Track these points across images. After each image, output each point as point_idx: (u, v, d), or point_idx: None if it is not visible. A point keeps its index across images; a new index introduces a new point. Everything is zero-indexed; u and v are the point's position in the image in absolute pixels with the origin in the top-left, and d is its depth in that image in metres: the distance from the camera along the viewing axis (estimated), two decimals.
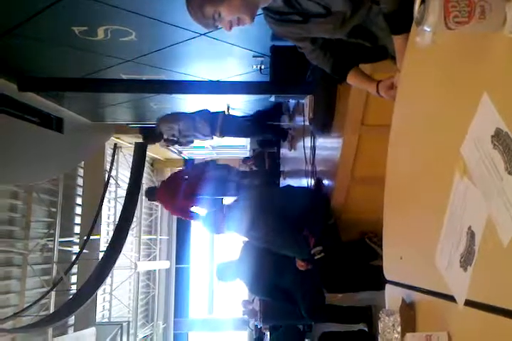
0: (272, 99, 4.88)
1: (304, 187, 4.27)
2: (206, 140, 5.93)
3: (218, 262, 4.58)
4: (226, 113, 5.78)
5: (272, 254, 3.43)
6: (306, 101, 3.98)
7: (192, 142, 5.89)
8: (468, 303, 0.94)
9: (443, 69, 1.10)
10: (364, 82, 1.88)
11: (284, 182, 6.43)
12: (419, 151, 1.25)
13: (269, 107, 6.28)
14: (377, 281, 1.58)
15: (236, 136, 6.53)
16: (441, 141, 1.08)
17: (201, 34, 3.74)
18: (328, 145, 3.59)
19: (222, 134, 5.53)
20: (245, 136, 6.66)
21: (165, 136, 5.60)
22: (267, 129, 6.08)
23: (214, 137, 5.65)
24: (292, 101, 5.26)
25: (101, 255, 8.13)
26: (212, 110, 5.59)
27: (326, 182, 3.68)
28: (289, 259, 3.37)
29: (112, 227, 9.63)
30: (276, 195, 3.70)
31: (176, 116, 5.52)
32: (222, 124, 5.41)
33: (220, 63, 4.91)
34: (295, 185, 4.63)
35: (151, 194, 5.59)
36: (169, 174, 11.75)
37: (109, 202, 10.00)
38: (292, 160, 5.67)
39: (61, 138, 5.91)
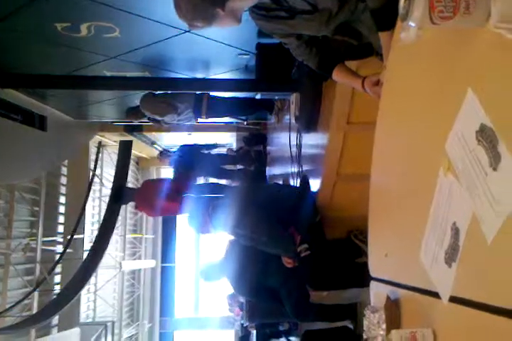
0: (258, 96, 4.86)
1: (289, 185, 4.26)
2: (188, 121, 5.82)
3: (203, 263, 4.55)
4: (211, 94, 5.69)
5: (257, 253, 3.42)
6: (292, 98, 3.98)
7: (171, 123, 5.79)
8: (453, 300, 0.94)
9: (428, 65, 1.10)
10: (350, 78, 1.88)
11: (269, 178, 6.43)
12: (404, 148, 1.25)
13: None
14: (363, 278, 1.58)
15: (222, 115, 6.37)
16: (426, 137, 1.08)
17: (186, 31, 3.72)
18: (314, 143, 3.59)
19: (208, 114, 5.42)
20: (232, 113, 6.45)
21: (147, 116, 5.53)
22: (253, 104, 5.96)
23: (198, 119, 5.54)
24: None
25: (85, 254, 8.06)
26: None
27: (311, 179, 3.69)
28: (273, 258, 3.36)
29: (96, 226, 9.55)
30: (262, 192, 3.69)
31: (159, 98, 5.42)
32: (207, 103, 5.32)
33: (205, 60, 4.89)
34: (280, 182, 4.63)
35: (126, 195, 5.32)
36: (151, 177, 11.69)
37: (93, 200, 9.92)
38: (278, 157, 5.66)
39: (44, 136, 5.83)
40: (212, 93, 5.44)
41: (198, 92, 5.35)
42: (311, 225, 3.31)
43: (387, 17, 1.46)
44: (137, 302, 12.24)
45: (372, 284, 1.45)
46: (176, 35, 3.83)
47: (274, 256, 3.35)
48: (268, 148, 7.04)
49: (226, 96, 5.70)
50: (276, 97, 5.22)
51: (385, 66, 1.51)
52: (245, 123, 7.35)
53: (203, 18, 1.54)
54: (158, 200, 4.91)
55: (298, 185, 3.96)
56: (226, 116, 6.43)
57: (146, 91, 5.34)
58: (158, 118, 5.52)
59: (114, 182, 6.43)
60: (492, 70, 0.84)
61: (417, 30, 0.88)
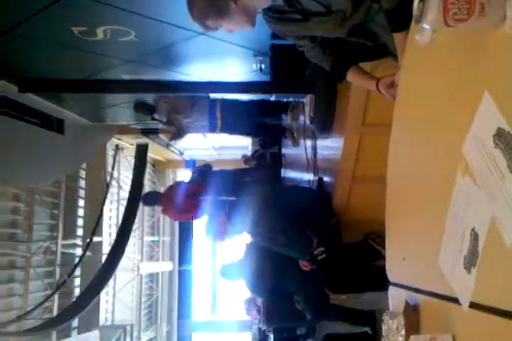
0: (273, 98, 4.86)
1: (307, 187, 4.24)
2: (204, 131, 5.76)
3: (222, 263, 4.57)
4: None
5: (274, 256, 3.42)
6: (307, 100, 3.96)
7: (182, 133, 5.71)
8: (473, 306, 0.92)
9: (443, 67, 1.08)
10: (364, 80, 1.86)
11: (285, 181, 6.39)
12: (420, 151, 1.23)
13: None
14: (381, 282, 1.56)
15: (236, 132, 6.30)
16: (443, 140, 1.07)
17: (201, 33, 3.72)
18: (330, 145, 3.57)
19: (223, 128, 5.38)
20: (244, 133, 6.43)
21: (155, 115, 5.47)
22: (265, 130, 5.97)
23: (214, 131, 5.48)
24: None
25: (104, 257, 8.12)
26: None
27: (327, 182, 3.67)
28: (290, 261, 3.35)
29: (114, 229, 9.61)
30: (280, 193, 3.69)
31: (179, 97, 5.38)
32: (221, 111, 5.27)
33: (221, 63, 4.89)
34: (297, 184, 4.60)
35: (152, 199, 5.45)
36: (172, 181, 11.71)
37: (111, 203, 9.99)
38: (294, 160, 5.65)
39: (62, 140, 5.90)
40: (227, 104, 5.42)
41: (211, 101, 5.32)
42: (327, 228, 3.29)
43: (402, 18, 1.45)
44: (155, 305, 12.29)
45: (391, 289, 1.43)
46: (191, 38, 3.84)
47: (290, 259, 3.34)
48: (283, 150, 7.02)
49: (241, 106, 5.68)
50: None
51: (400, 67, 1.50)
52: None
53: (216, 13, 1.54)
54: (181, 202, 4.95)
55: (315, 187, 3.94)
56: (241, 128, 6.26)
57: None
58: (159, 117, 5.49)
59: (132, 185, 6.50)
60: (508, 72, 0.82)
61: (432, 33, 0.87)
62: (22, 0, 3.21)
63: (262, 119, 5.85)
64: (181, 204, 5.12)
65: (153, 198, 5.36)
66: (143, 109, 5.69)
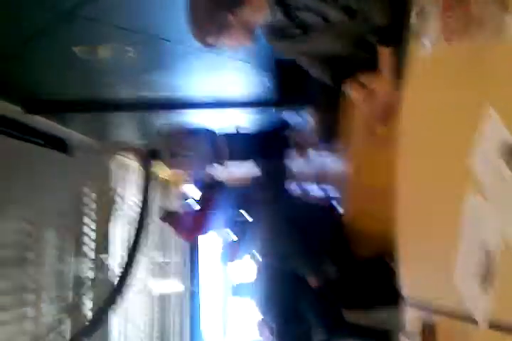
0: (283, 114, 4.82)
1: (316, 204, 4.20)
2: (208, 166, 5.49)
3: (232, 283, 4.56)
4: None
5: (285, 276, 3.39)
6: (311, 112, 3.96)
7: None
8: (493, 326, 0.89)
9: (446, 82, 1.07)
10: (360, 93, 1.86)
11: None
12: (428, 165, 1.22)
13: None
14: (396, 297, 1.53)
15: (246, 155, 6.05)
16: (450, 155, 1.05)
17: (202, 50, 3.74)
18: (335, 158, 3.55)
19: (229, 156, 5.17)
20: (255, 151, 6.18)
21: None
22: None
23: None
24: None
25: (115, 279, 8.08)
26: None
27: (334, 196, 3.64)
28: (302, 281, 3.31)
29: (124, 249, 9.58)
30: (287, 206, 3.66)
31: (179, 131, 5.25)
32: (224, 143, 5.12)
33: (222, 79, 4.91)
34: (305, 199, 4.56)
35: (168, 216, 5.36)
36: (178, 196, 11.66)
37: (119, 222, 9.99)
38: (301, 172, 5.61)
39: (68, 160, 5.91)
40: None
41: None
42: (337, 244, 3.25)
43: (391, 33, 1.45)
44: (167, 327, 12.22)
45: (407, 308, 1.39)
46: (192, 54, 3.86)
47: (302, 279, 3.30)
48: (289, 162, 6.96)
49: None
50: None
51: (383, 77, 1.50)
52: None
53: (215, 28, 1.55)
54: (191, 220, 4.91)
55: (321, 202, 3.90)
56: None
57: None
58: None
59: (141, 205, 6.49)
60: (511, 84, 0.80)
61: (432, 48, 0.86)
62: (21, 21, 3.24)
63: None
64: (190, 222, 5.07)
65: (168, 217, 5.29)
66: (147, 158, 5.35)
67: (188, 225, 4.95)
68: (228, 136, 5.22)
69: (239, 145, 5.25)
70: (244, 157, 5.53)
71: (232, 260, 3.53)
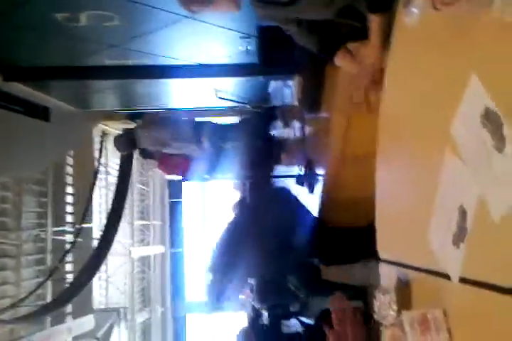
0: (261, 79, 4.81)
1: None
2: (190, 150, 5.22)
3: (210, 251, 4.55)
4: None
5: (264, 237, 3.44)
6: (295, 81, 3.95)
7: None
8: (463, 280, 0.95)
9: (431, 49, 1.09)
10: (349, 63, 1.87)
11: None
12: (409, 131, 1.25)
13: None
14: (372, 254, 1.56)
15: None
16: (431, 120, 1.09)
17: (186, 16, 3.69)
18: (318, 126, 3.58)
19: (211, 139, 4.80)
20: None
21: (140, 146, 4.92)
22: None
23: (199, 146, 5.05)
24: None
25: (95, 243, 8.13)
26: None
27: (317, 164, 3.67)
28: (281, 241, 3.38)
29: (104, 215, 9.60)
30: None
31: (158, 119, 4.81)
32: (209, 128, 4.80)
33: (206, 45, 4.85)
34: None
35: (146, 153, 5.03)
36: None
37: (100, 189, 9.96)
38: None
39: (48, 127, 5.84)
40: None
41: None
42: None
43: (383, 0, 1.45)
44: (148, 287, 12.37)
45: (382, 265, 1.46)
46: (176, 21, 3.80)
47: (281, 240, 3.37)
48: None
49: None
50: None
51: (373, 45, 1.53)
52: (248, 106, 7.20)
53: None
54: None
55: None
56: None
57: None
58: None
59: (119, 170, 6.45)
60: (496, 54, 0.83)
61: (420, 15, 0.88)
62: None
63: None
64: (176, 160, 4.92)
65: (147, 153, 5.05)
66: (123, 144, 5.12)
67: (169, 162, 4.83)
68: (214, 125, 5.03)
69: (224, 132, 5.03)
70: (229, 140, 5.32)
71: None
